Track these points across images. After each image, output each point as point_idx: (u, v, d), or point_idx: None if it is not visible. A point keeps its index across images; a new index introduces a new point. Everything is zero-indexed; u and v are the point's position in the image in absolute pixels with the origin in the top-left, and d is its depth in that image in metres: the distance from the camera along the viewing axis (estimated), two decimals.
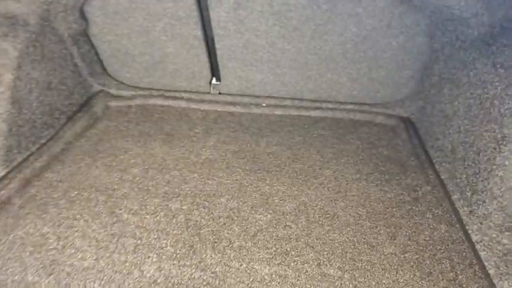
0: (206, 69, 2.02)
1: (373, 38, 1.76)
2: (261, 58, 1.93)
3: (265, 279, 1.12)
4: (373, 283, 1.11)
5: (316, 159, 1.69)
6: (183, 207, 1.39)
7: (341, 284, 1.11)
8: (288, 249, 1.22)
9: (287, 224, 1.33)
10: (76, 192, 1.43)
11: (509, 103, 1.13)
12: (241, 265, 1.16)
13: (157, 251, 1.20)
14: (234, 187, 1.50)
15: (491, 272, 1.11)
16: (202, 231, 1.28)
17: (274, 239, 1.26)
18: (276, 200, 1.44)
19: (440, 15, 1.51)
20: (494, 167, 1.18)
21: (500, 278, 1.09)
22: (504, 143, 1.14)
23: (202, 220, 1.33)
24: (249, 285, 1.10)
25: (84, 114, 1.88)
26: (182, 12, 1.78)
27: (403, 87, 1.92)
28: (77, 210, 1.34)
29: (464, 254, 1.19)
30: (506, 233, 1.20)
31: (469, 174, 1.32)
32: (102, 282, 1.09)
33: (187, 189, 1.48)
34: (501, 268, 1.12)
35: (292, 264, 1.17)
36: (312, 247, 1.23)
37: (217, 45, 1.90)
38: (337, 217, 1.36)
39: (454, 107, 1.45)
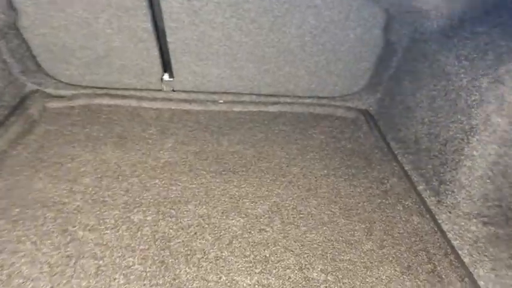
0: (157, 64, 1.87)
1: (331, 31, 1.74)
2: (217, 52, 1.83)
3: None
4: (358, 283, 1.09)
5: (282, 156, 1.64)
6: (147, 218, 1.26)
7: (326, 287, 1.06)
8: (267, 255, 1.16)
9: (262, 227, 1.26)
10: (18, 210, 1.23)
11: (476, 94, 1.16)
12: (220, 278, 1.07)
13: (123, 271, 1.07)
14: (200, 192, 1.39)
15: (466, 260, 1.14)
16: (172, 243, 1.17)
17: (251, 245, 1.19)
18: (247, 203, 1.36)
19: (399, 7, 1.52)
20: (463, 157, 1.21)
21: (475, 265, 1.12)
22: (472, 133, 1.17)
23: (171, 231, 1.21)
24: None
25: (19, 118, 1.65)
26: (130, 3, 1.62)
27: (360, 80, 1.93)
28: (22, 231, 1.16)
29: (438, 244, 1.21)
30: (474, 221, 1.24)
31: (436, 165, 1.35)
32: None
33: (150, 197, 1.35)
34: (474, 256, 1.15)
35: (274, 271, 1.11)
36: (291, 250, 1.18)
37: (169, 39, 1.76)
38: (312, 216, 1.32)
39: (417, 99, 1.48)
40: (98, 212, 1.27)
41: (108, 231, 1.20)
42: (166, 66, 1.90)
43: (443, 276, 1.11)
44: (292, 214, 1.32)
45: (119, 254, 1.12)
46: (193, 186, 1.42)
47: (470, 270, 1.11)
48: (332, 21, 1.69)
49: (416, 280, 1.11)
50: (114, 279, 1.04)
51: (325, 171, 1.56)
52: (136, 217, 1.26)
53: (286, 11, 1.65)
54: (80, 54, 1.80)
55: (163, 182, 1.43)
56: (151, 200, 1.34)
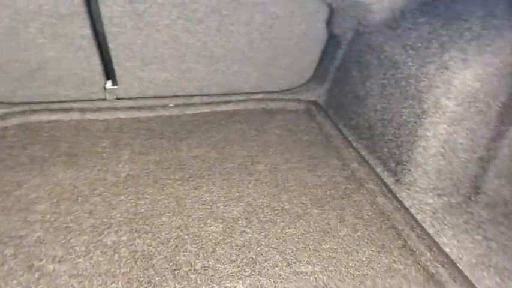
0: (98, 72, 1.75)
1: (277, 27, 1.78)
2: (163, 55, 1.76)
3: None
4: (342, 268, 1.14)
5: (244, 155, 1.65)
6: (122, 238, 1.19)
7: (316, 278, 1.11)
8: (254, 257, 1.16)
9: (242, 230, 1.26)
10: None
11: (425, 80, 1.27)
12: None
13: None
14: (171, 202, 1.35)
15: (430, 231, 1.26)
16: (154, 261, 1.12)
17: (235, 249, 1.19)
18: (221, 207, 1.35)
19: (341, 2, 1.60)
20: (417, 138, 1.32)
21: (439, 235, 1.24)
22: (424, 116, 1.28)
23: (150, 248, 1.16)
24: None
25: None
26: (64, 9, 1.49)
27: (307, 72, 2.00)
28: None
29: (404, 220, 1.31)
30: (431, 194, 1.37)
31: (391, 148, 1.46)
32: None
33: (118, 215, 1.27)
34: (436, 226, 1.28)
35: (263, 271, 1.12)
36: (275, 248, 1.20)
37: (110, 44, 1.66)
38: (286, 211, 1.36)
39: (367, 88, 1.58)
40: (64, 241, 1.17)
41: (80, 260, 1.11)
42: (109, 74, 1.79)
43: (414, 249, 1.21)
44: (267, 212, 1.34)
45: (99, 282, 1.05)
46: (163, 197, 1.37)
47: (435, 239, 1.22)
48: (278, 17, 1.72)
49: (392, 256, 1.20)
50: None
51: (289, 165, 1.60)
52: (108, 239, 1.19)
53: (233, 10, 1.64)
54: (7, 68, 1.62)
55: (129, 197, 1.36)
56: (121, 219, 1.26)
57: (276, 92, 2.06)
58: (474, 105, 1.23)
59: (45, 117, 1.72)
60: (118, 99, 1.89)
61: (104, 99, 1.86)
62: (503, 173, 1.28)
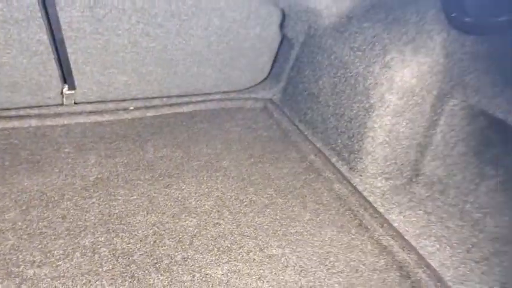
0: (56, 77, 1.74)
1: (234, 30, 1.88)
2: (123, 59, 1.79)
3: (222, 280, 1.14)
4: (309, 249, 1.28)
5: (209, 153, 1.73)
6: (99, 238, 1.23)
7: (287, 259, 1.23)
8: (229, 245, 1.26)
9: (215, 222, 1.35)
10: None
11: (371, 78, 1.44)
12: (193, 276, 1.14)
13: None
14: (144, 201, 1.40)
15: (381, 210, 1.43)
16: (135, 257, 1.18)
17: (211, 239, 1.28)
18: (193, 203, 1.43)
19: (294, 7, 1.73)
20: (366, 129, 1.49)
21: (388, 213, 1.42)
22: (372, 110, 1.45)
23: (129, 245, 1.22)
24: None
25: None
26: (20, 14, 1.47)
27: (262, 72, 2.13)
28: None
29: (358, 202, 1.48)
30: (379, 178, 1.55)
31: (344, 139, 1.62)
32: None
33: (92, 218, 1.31)
34: (385, 205, 1.46)
35: (239, 257, 1.22)
36: (247, 236, 1.31)
37: (69, 49, 1.66)
38: (254, 202, 1.47)
39: (319, 86, 1.73)
40: (40, 246, 1.18)
41: (60, 262, 1.14)
42: (66, 79, 1.78)
43: (368, 227, 1.38)
44: (236, 204, 1.44)
45: (83, 281, 1.09)
46: (135, 197, 1.42)
47: (385, 217, 1.40)
48: (234, 21, 1.82)
49: (350, 235, 1.35)
50: None
51: (252, 160, 1.71)
52: (86, 241, 1.22)
53: (192, 14, 1.71)
54: None
55: (101, 199, 1.39)
56: (96, 220, 1.30)
57: (234, 91, 2.16)
58: (412, 98, 1.42)
59: (0, 125, 1.68)
60: (76, 103, 1.88)
61: (62, 105, 1.84)
62: (438, 156, 1.49)
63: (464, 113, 1.39)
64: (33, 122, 1.74)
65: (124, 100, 1.95)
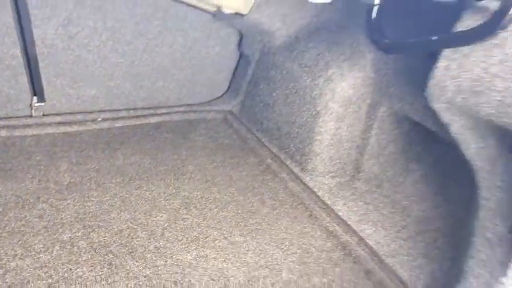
0: (26, 90, 1.83)
1: (196, 48, 2.08)
2: (92, 73, 1.92)
3: (192, 263, 1.29)
4: (267, 236, 1.47)
5: (175, 159, 1.89)
6: (77, 234, 1.35)
7: (248, 244, 1.41)
8: (196, 235, 1.42)
9: (183, 217, 1.51)
10: None
11: (316, 90, 1.68)
12: (166, 261, 1.29)
13: (77, 281, 1.17)
14: (116, 202, 1.53)
15: (328, 202, 1.66)
16: (112, 248, 1.31)
17: (180, 231, 1.43)
18: (162, 201, 1.58)
19: (250, 29, 1.97)
20: (314, 134, 1.73)
21: (334, 204, 1.65)
22: (318, 117, 1.70)
23: (106, 238, 1.34)
24: (182, 272, 1.25)
25: None
26: None
27: (223, 86, 2.33)
28: None
29: (309, 197, 1.70)
30: (327, 176, 1.78)
31: (296, 143, 1.85)
32: None
33: (68, 217, 1.42)
34: (332, 199, 1.68)
35: (206, 245, 1.38)
36: (213, 227, 1.47)
37: (41, 64, 1.77)
38: (217, 200, 1.64)
39: (273, 98, 1.96)
40: (20, 241, 1.28)
41: (41, 255, 1.24)
42: (36, 92, 1.87)
43: (317, 217, 1.60)
44: (202, 202, 1.61)
45: (64, 270, 1.20)
46: (108, 198, 1.55)
47: (332, 208, 1.63)
48: (197, 40, 2.03)
49: (302, 224, 1.56)
50: None
51: (215, 164, 1.89)
52: (64, 236, 1.33)
53: (158, 33, 1.90)
54: None
55: (75, 201, 1.50)
56: (72, 219, 1.41)
57: (197, 104, 2.34)
58: (350, 106, 1.69)
59: None
60: (45, 115, 1.97)
61: (30, 116, 1.93)
62: (373, 156, 1.76)
63: (391, 118, 1.67)
64: (3, 133, 1.81)
65: (92, 112, 2.07)
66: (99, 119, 2.07)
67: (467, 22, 1.07)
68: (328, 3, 1.62)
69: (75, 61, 1.83)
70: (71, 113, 2.02)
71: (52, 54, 1.75)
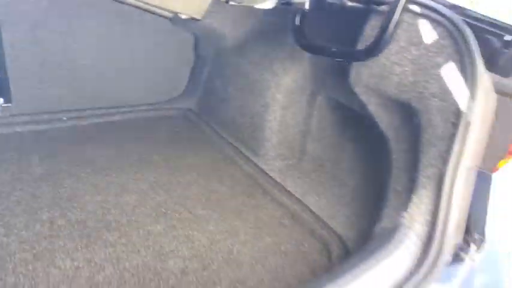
0: None
1: (156, 51, 2.28)
2: (58, 75, 2.07)
3: (162, 233, 1.49)
4: (227, 209, 1.69)
5: (141, 151, 2.06)
6: (55, 214, 1.50)
7: (210, 216, 1.63)
8: (164, 211, 1.62)
9: (151, 197, 1.70)
10: None
11: (264, 83, 1.94)
12: (139, 232, 1.47)
13: (61, 251, 1.33)
14: (89, 187, 1.69)
15: (279, 180, 1.91)
16: (88, 223, 1.48)
17: (149, 208, 1.62)
18: (131, 185, 1.76)
19: (204, 32, 2.20)
20: (265, 122, 1.98)
21: (284, 182, 1.90)
22: (267, 107, 1.95)
23: (82, 216, 1.50)
24: (154, 239, 1.45)
25: None
26: None
27: (181, 86, 2.54)
28: None
29: (262, 177, 1.94)
30: (278, 159, 2.04)
31: (249, 132, 2.10)
32: None
33: (45, 201, 1.56)
34: (282, 177, 1.94)
35: (173, 217, 1.58)
36: (179, 204, 1.68)
37: (9, 66, 1.90)
38: (181, 182, 1.84)
39: (228, 93, 2.20)
40: (1, 223, 1.41)
41: (23, 232, 1.39)
42: (3, 93, 1.99)
43: (270, 192, 1.84)
44: (168, 184, 1.80)
45: (47, 242, 1.36)
46: (80, 185, 1.70)
47: (282, 185, 1.88)
48: (157, 44, 2.23)
49: (257, 199, 1.80)
50: (55, 263, 1.29)
51: (177, 154, 2.08)
52: (43, 216, 1.48)
53: (121, 37, 2.08)
54: None
55: (50, 188, 1.64)
56: (48, 202, 1.56)
57: (158, 103, 2.53)
58: (293, 97, 1.96)
59: None
60: (12, 115, 2.08)
61: None
62: (315, 139, 2.04)
63: (328, 105, 1.97)
64: None
65: (57, 112, 2.20)
66: (64, 118, 2.21)
67: (369, 33, 1.39)
68: (271, 8, 1.89)
69: (42, 63, 1.97)
70: (37, 113, 2.14)
71: (20, 56, 1.89)
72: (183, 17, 2.06)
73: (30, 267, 1.24)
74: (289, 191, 1.86)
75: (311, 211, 1.73)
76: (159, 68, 2.36)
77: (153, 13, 2.09)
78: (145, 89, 2.41)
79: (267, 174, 1.98)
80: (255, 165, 2.04)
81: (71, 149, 1.96)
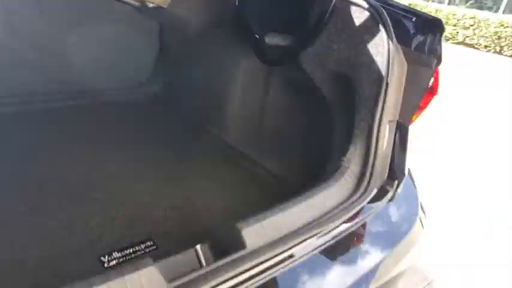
0: None
1: (123, 38, 2.46)
2: (29, 60, 2.19)
3: (142, 190, 1.71)
4: (196, 171, 1.94)
5: (109, 132, 2.22)
6: (43, 180, 1.66)
7: (182, 177, 1.87)
8: (142, 174, 1.83)
9: (131, 164, 1.90)
10: None
11: (225, 67, 2.20)
12: (121, 190, 1.69)
13: (55, 207, 1.51)
14: (67, 162, 1.84)
15: (240, 149, 2.18)
16: (72, 189, 1.64)
17: (127, 173, 1.83)
18: (111, 155, 1.94)
19: (169, 19, 2.41)
20: (227, 101, 2.24)
21: (245, 149, 2.18)
22: (228, 85, 2.22)
23: (64, 184, 1.67)
24: (136, 195, 1.67)
25: None
26: None
27: (148, 71, 2.73)
28: None
29: (227, 148, 2.20)
30: (239, 133, 2.30)
31: (212, 110, 2.34)
32: None
33: (21, 178, 1.69)
34: (244, 147, 2.21)
35: (150, 180, 1.81)
36: (152, 168, 1.90)
37: None
38: (156, 153, 2.05)
39: (193, 77, 2.43)
40: None
41: (17, 192, 1.55)
42: None
43: (230, 157, 2.11)
44: (143, 154, 2.01)
45: (33, 203, 1.52)
46: (60, 157, 1.86)
47: (243, 151, 2.16)
48: (124, 31, 2.41)
49: (222, 164, 2.06)
50: (50, 215, 1.47)
51: (144, 135, 2.27)
52: (33, 182, 1.64)
53: (89, 24, 2.24)
54: None
55: (25, 165, 1.75)
56: (32, 173, 1.71)
57: (125, 88, 2.70)
58: (252, 77, 2.23)
59: None
60: None
61: None
62: (272, 114, 2.33)
63: (282, 82, 2.26)
64: None
65: (28, 95, 2.31)
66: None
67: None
68: None
69: (14, 49, 2.09)
70: (6, 96, 2.24)
71: None
72: (150, 5, 2.26)
73: (28, 219, 1.42)
74: (249, 157, 2.14)
75: (268, 170, 2.02)
76: (127, 54, 2.53)
77: (121, 1, 2.27)
78: (113, 74, 2.57)
79: (230, 146, 2.24)
80: (220, 139, 2.29)
81: (44, 129, 2.09)
